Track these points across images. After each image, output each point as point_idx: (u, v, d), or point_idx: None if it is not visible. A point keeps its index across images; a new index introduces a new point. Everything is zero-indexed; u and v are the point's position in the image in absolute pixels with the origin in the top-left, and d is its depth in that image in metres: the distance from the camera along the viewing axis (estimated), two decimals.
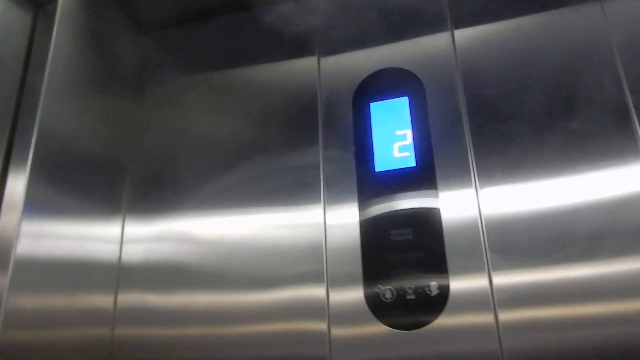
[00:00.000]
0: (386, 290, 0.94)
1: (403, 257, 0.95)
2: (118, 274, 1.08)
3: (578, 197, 0.91)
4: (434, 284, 0.92)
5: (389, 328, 0.91)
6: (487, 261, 0.91)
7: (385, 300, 0.93)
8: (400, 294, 0.93)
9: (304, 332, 0.95)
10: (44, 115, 0.93)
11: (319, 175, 1.05)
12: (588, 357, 0.82)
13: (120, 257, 1.09)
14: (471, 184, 0.97)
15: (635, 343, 0.81)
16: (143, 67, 1.27)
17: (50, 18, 1.00)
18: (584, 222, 0.89)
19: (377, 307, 0.93)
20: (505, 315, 0.87)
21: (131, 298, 1.06)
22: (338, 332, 0.93)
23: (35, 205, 0.90)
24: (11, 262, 0.84)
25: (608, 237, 0.87)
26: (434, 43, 1.10)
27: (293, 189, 1.06)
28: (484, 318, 0.88)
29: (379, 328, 0.91)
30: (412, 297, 0.92)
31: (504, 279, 0.89)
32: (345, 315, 0.94)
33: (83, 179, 1.02)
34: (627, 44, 0.98)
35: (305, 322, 0.95)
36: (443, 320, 0.90)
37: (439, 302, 0.91)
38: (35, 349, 0.87)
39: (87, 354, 0.98)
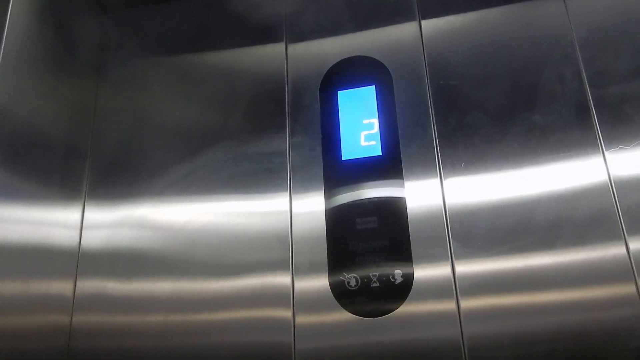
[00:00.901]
0: (351, 278, 0.94)
1: (368, 245, 0.96)
2: (77, 260, 1.05)
3: (538, 188, 0.93)
4: (398, 272, 0.93)
5: (353, 316, 0.92)
6: (450, 250, 0.93)
7: (349, 288, 0.94)
8: (365, 282, 0.94)
9: (268, 320, 0.95)
10: None
11: (286, 163, 1.05)
12: (544, 342, 0.85)
13: (80, 243, 1.07)
14: (436, 173, 0.98)
15: (588, 329, 0.84)
16: (104, 48, 1.24)
17: None
18: (544, 212, 0.91)
19: (342, 294, 0.94)
20: (467, 303, 0.89)
21: (91, 285, 1.03)
22: (302, 319, 0.93)
23: None
24: None
25: (566, 226, 0.90)
26: (402, 33, 1.10)
27: (259, 176, 1.05)
28: (446, 305, 0.90)
29: (343, 316, 0.92)
30: (376, 285, 0.93)
31: (467, 267, 0.91)
32: (309, 303, 0.94)
33: (40, 163, 0.99)
34: (588, 39, 1.01)
35: (270, 309, 0.95)
36: (406, 308, 0.91)
37: (402, 290, 0.92)
38: None
39: (44, 342, 0.96)
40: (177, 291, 0.99)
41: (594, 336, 0.84)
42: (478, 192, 0.95)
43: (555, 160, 0.94)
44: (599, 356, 0.83)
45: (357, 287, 0.94)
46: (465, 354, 0.87)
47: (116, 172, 1.12)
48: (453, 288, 0.90)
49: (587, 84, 0.98)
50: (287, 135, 1.07)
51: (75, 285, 1.04)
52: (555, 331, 0.85)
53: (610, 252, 0.87)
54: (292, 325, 0.93)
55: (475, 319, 0.88)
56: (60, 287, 1.01)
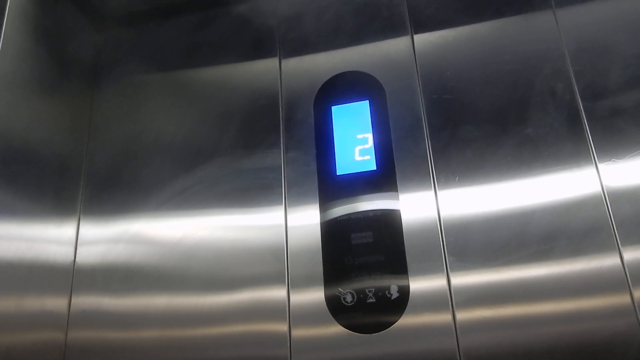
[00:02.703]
0: (347, 293, 0.94)
1: (364, 260, 0.96)
2: (72, 276, 1.05)
3: (532, 200, 0.94)
4: (394, 287, 0.93)
5: (349, 331, 0.92)
6: (446, 264, 0.93)
7: (346, 304, 0.94)
8: (361, 297, 0.94)
9: (264, 334, 0.94)
10: None
11: (281, 178, 1.05)
12: (541, 354, 0.85)
13: (74, 259, 1.06)
14: (430, 187, 0.99)
15: (583, 340, 0.84)
16: (98, 66, 1.24)
17: (0, 12, 0.96)
18: (538, 224, 0.92)
19: (338, 310, 0.93)
20: (463, 316, 0.89)
21: (86, 301, 1.03)
22: (299, 333, 0.93)
23: None
24: None
25: (560, 238, 0.90)
26: (395, 47, 1.11)
27: (254, 191, 1.05)
28: (443, 318, 0.90)
29: (339, 330, 0.91)
30: (372, 300, 0.93)
31: (462, 280, 0.91)
32: (306, 317, 0.94)
33: (34, 180, 0.99)
34: (579, 52, 1.02)
35: (266, 323, 0.95)
36: (403, 323, 0.91)
37: (399, 304, 0.92)
38: None
39: (38, 358, 0.95)
40: (173, 306, 0.99)
41: (590, 347, 0.84)
42: (472, 205, 0.96)
43: (548, 173, 0.95)
44: None
45: (353, 302, 0.94)
46: None
47: (111, 188, 1.12)
48: (449, 301, 0.90)
49: (578, 97, 0.99)
50: (282, 150, 1.07)
51: (70, 302, 1.03)
52: (550, 342, 0.85)
53: (604, 263, 0.87)
54: (289, 340, 0.93)
55: (472, 331, 0.88)
56: (55, 303, 1.01)
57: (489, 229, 0.93)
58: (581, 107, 0.98)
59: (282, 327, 0.94)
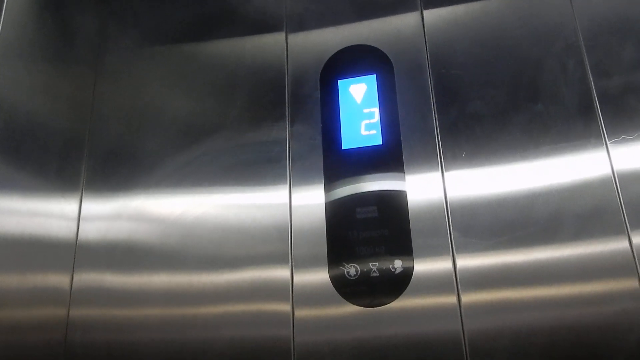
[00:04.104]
0: (350, 267, 0.94)
1: (368, 234, 0.95)
2: (75, 252, 1.04)
3: (540, 178, 0.92)
4: (398, 262, 0.92)
5: (353, 306, 0.91)
6: (451, 240, 0.92)
7: (349, 278, 0.93)
8: (365, 272, 0.93)
9: (267, 314, 0.94)
10: None
11: (285, 152, 1.04)
12: (544, 337, 0.84)
13: (77, 234, 1.06)
14: (437, 163, 0.97)
15: (589, 323, 0.83)
16: (102, 38, 1.22)
17: None
18: (545, 202, 0.91)
19: (342, 284, 0.93)
20: (467, 293, 0.89)
21: (88, 278, 1.02)
22: (302, 313, 0.92)
23: None
24: None
25: (567, 219, 0.89)
26: (404, 22, 1.09)
27: (258, 165, 1.04)
28: (446, 294, 0.89)
29: (342, 308, 0.91)
30: (376, 274, 0.92)
31: (467, 257, 0.91)
32: (309, 296, 0.93)
33: (37, 154, 0.98)
34: (592, 27, 1.00)
35: (269, 303, 0.94)
36: (406, 298, 0.90)
37: (402, 280, 0.91)
38: None
39: (40, 335, 0.95)
40: (174, 284, 0.98)
41: (595, 330, 0.83)
42: (479, 183, 0.95)
43: (557, 150, 0.93)
44: (599, 350, 0.82)
45: (356, 276, 0.93)
46: (465, 343, 0.87)
47: (114, 162, 1.11)
48: (453, 277, 0.90)
49: (590, 73, 0.97)
50: (287, 124, 1.06)
51: (72, 278, 1.03)
52: (556, 325, 0.84)
53: (612, 245, 0.86)
54: (291, 320, 0.92)
55: (475, 308, 0.88)
56: (57, 279, 1.00)
57: (495, 206, 0.92)
58: (592, 84, 0.96)
59: (285, 307, 0.93)
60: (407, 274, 0.91)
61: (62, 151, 1.06)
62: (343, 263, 0.94)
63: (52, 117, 1.04)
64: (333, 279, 0.93)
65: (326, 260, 0.94)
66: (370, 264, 0.93)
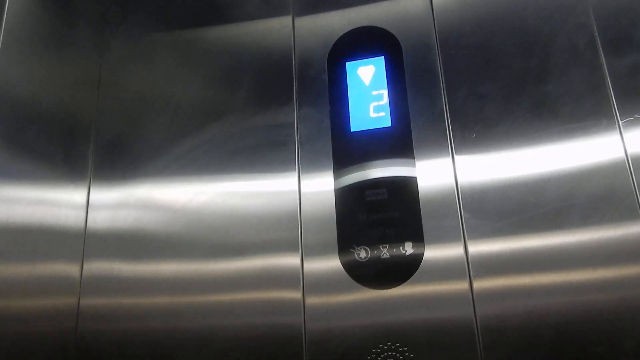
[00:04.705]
0: (361, 249, 0.93)
1: (378, 217, 0.94)
2: (84, 241, 1.04)
3: (551, 160, 0.91)
4: (408, 243, 0.92)
5: (364, 290, 0.91)
6: (462, 221, 0.91)
7: (360, 260, 0.93)
8: (375, 254, 0.93)
9: (277, 301, 0.93)
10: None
11: (294, 135, 1.03)
12: (555, 323, 0.83)
13: (86, 223, 1.05)
14: (447, 144, 0.97)
15: (599, 310, 0.82)
16: (107, 23, 1.21)
17: None
18: (556, 184, 0.90)
19: (352, 267, 0.92)
20: (479, 278, 0.88)
21: (98, 266, 1.02)
22: (313, 300, 0.92)
23: None
24: None
25: (579, 200, 0.88)
26: (412, 3, 1.08)
27: (266, 148, 1.04)
28: (458, 278, 0.89)
29: (354, 293, 0.90)
30: (386, 256, 0.92)
31: (478, 238, 0.90)
32: (319, 282, 0.93)
33: (44, 140, 0.98)
34: (603, 7, 0.99)
35: (279, 291, 0.94)
36: (417, 281, 0.90)
37: (413, 261, 0.91)
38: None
39: (51, 324, 0.95)
40: (183, 272, 0.98)
41: (607, 316, 0.82)
42: (489, 164, 0.94)
43: (568, 131, 0.92)
44: (610, 336, 0.81)
45: (367, 259, 0.93)
46: (477, 325, 0.86)
47: (121, 149, 1.11)
48: (465, 260, 0.89)
49: (602, 52, 0.95)
50: (295, 107, 1.05)
51: (82, 267, 1.02)
52: (568, 310, 0.84)
53: (625, 229, 0.85)
54: (302, 307, 0.92)
55: (487, 291, 0.87)
56: (67, 268, 1.00)
57: (506, 187, 0.91)
58: (604, 63, 0.95)
59: (296, 295, 0.93)
60: (418, 256, 0.91)
61: (68, 139, 1.05)
62: (353, 246, 0.94)
63: (58, 105, 1.03)
64: (344, 262, 0.93)
65: (336, 246, 0.93)
66: (380, 246, 0.93)
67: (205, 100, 1.11)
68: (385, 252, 0.92)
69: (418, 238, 0.92)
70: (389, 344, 0.88)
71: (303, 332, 0.91)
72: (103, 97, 1.16)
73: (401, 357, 0.88)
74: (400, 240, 0.92)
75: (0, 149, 0.87)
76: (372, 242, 0.93)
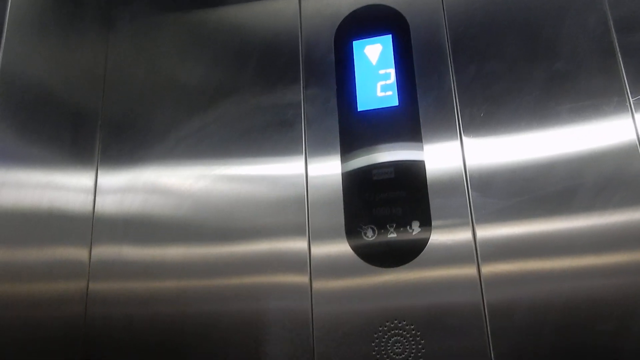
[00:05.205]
0: (368, 229, 0.93)
1: (385, 195, 0.94)
2: (92, 225, 1.04)
3: (559, 139, 0.90)
4: (415, 222, 0.92)
5: (371, 272, 0.91)
6: (469, 200, 0.91)
7: (367, 239, 0.93)
8: (382, 233, 0.92)
9: (284, 286, 0.93)
10: (5, 56, 0.87)
11: (300, 114, 1.02)
12: (562, 308, 0.83)
13: (94, 207, 1.05)
14: (454, 124, 0.96)
15: (607, 295, 0.82)
16: (112, 5, 1.21)
17: None
18: (565, 163, 0.89)
19: (359, 246, 0.92)
20: (487, 263, 0.88)
21: (106, 250, 1.02)
22: (320, 284, 0.92)
23: None
24: None
25: (588, 181, 0.87)
26: None
27: (273, 128, 1.03)
28: (465, 262, 0.89)
29: (361, 276, 0.90)
30: (393, 235, 0.92)
31: (486, 217, 0.89)
32: (327, 266, 0.92)
33: (52, 125, 0.97)
34: None
35: (286, 274, 0.94)
36: (424, 260, 0.89)
37: (420, 242, 0.90)
38: (8, 303, 0.83)
39: (60, 309, 0.95)
40: (190, 256, 0.98)
41: (615, 301, 0.81)
42: (497, 143, 0.93)
43: (578, 109, 0.91)
44: (618, 321, 0.81)
45: (374, 238, 0.92)
46: (484, 300, 0.86)
47: (127, 131, 1.10)
48: (472, 238, 0.89)
49: (613, 29, 0.94)
50: (301, 87, 1.04)
51: (90, 251, 1.03)
52: (576, 295, 0.83)
53: (636, 214, 0.84)
54: (310, 289, 0.92)
55: (495, 276, 0.87)
56: (76, 252, 1.00)
57: (514, 166, 0.91)
58: (615, 40, 0.93)
59: (304, 279, 0.93)
60: (425, 236, 0.90)
61: (75, 123, 1.05)
62: (361, 225, 0.93)
63: (65, 88, 1.03)
64: (351, 241, 0.93)
65: (344, 230, 0.93)
66: (387, 225, 0.92)
67: (212, 80, 1.10)
68: (392, 231, 0.92)
69: (425, 218, 0.91)
70: (395, 321, 0.88)
71: (311, 315, 0.91)
72: (110, 80, 1.15)
73: (408, 335, 0.88)
74: (407, 219, 0.92)
75: (9, 133, 0.87)
76: (380, 221, 0.93)
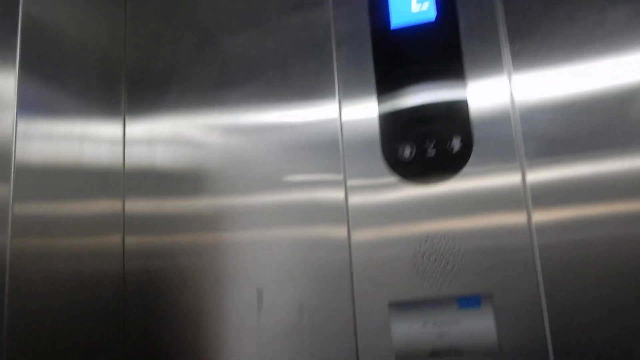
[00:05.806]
0: (406, 147, 0.87)
1: (423, 112, 0.88)
2: (124, 178, 1.02)
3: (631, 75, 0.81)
4: (456, 140, 0.86)
5: (408, 182, 0.86)
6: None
7: (405, 158, 0.87)
8: (420, 151, 0.87)
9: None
10: (28, 5, 0.86)
11: (330, 34, 0.96)
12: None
13: (124, 158, 1.03)
14: (498, 41, 0.87)
15: None
16: None
17: None
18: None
19: (396, 163, 0.88)
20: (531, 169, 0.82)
21: (139, 204, 1.01)
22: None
23: (29, 105, 0.84)
24: (12, 169, 0.79)
25: None
26: None
27: (303, 49, 0.97)
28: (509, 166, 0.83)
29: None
30: (433, 151, 0.86)
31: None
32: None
33: (78, 75, 0.96)
34: None
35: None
36: (467, 173, 0.85)
37: (461, 157, 0.85)
38: (45, 257, 0.83)
39: (99, 263, 0.94)
40: (225, 207, 0.95)
41: None
42: (551, 64, 0.85)
43: None
44: None
45: (412, 155, 0.87)
46: (530, 221, 0.80)
47: (150, 77, 1.07)
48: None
49: None
50: (330, 4, 0.98)
51: (124, 205, 1.01)
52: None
53: None
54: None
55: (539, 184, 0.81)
56: (110, 205, 0.99)
57: (568, 106, 0.83)
58: None
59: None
60: (467, 150, 0.85)
61: (100, 70, 1.03)
62: (398, 146, 0.88)
63: (90, 37, 1.01)
64: (388, 157, 0.88)
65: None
66: (426, 141, 0.87)
67: (234, 8, 1.04)
68: (431, 148, 0.86)
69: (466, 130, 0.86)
70: (438, 235, 0.84)
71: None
72: (130, 28, 1.11)
73: (451, 244, 0.83)
74: (448, 135, 0.86)
75: (37, 85, 0.86)
76: (418, 139, 0.87)
